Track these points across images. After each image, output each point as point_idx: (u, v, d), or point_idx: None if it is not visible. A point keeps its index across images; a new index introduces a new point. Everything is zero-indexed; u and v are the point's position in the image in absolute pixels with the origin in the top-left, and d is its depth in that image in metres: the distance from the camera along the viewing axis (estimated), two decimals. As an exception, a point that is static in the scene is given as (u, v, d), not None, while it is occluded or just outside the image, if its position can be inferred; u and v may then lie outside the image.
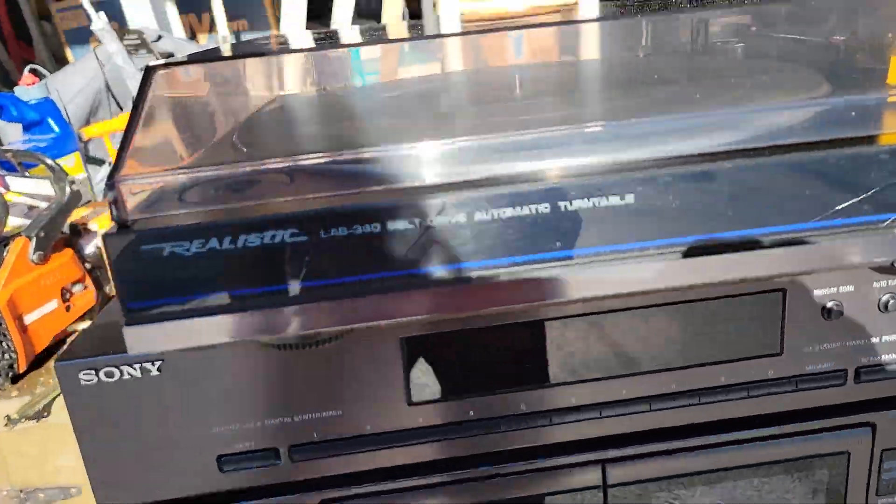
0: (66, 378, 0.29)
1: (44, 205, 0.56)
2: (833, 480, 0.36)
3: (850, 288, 0.33)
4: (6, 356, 0.49)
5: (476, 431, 0.33)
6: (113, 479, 0.31)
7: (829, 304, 0.33)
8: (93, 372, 0.29)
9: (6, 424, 0.47)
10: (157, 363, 0.29)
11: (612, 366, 0.33)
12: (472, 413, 0.33)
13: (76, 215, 0.58)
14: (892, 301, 0.33)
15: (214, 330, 0.25)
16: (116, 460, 0.31)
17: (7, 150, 0.69)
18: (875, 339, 0.34)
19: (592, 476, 0.34)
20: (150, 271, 0.25)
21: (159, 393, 0.30)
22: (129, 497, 0.32)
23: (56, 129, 0.86)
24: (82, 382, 0.29)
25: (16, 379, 0.51)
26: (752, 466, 0.36)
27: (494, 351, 0.32)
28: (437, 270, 0.26)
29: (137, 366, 0.29)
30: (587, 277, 0.27)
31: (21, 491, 0.48)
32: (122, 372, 0.29)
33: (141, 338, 0.25)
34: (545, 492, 0.35)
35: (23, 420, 0.48)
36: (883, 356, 0.34)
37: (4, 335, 0.47)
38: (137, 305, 0.25)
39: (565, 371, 0.33)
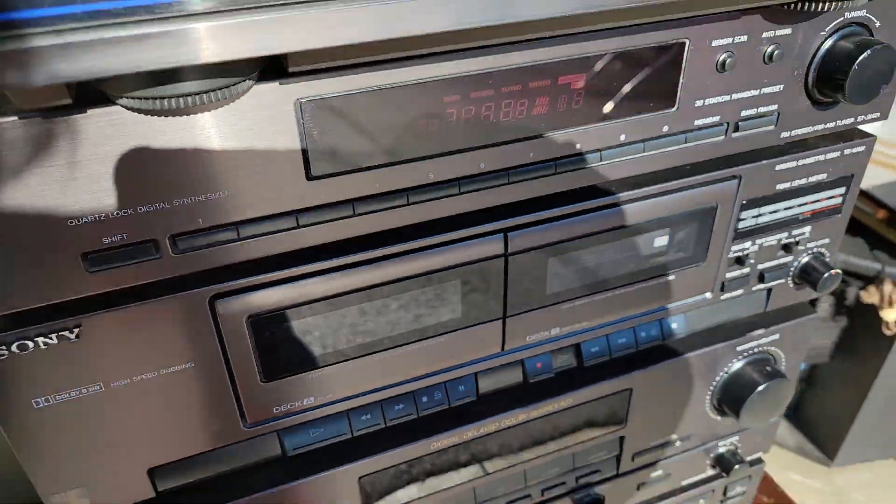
0: None
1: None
2: (700, 232, 0.42)
3: (744, 38, 0.35)
4: None
5: (384, 205, 0.32)
6: None
7: (723, 56, 0.35)
8: None
9: None
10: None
11: (519, 129, 0.33)
12: (377, 186, 0.31)
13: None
14: (776, 51, 0.35)
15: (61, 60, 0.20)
16: None
17: None
18: (755, 92, 0.37)
19: (496, 246, 0.36)
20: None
21: None
22: None
23: None
24: None
25: None
26: (640, 223, 0.39)
27: (401, 119, 0.30)
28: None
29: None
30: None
31: None
32: None
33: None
34: (451, 265, 0.36)
35: None
36: (759, 108, 0.38)
37: None
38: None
39: (471, 137, 0.32)
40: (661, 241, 0.42)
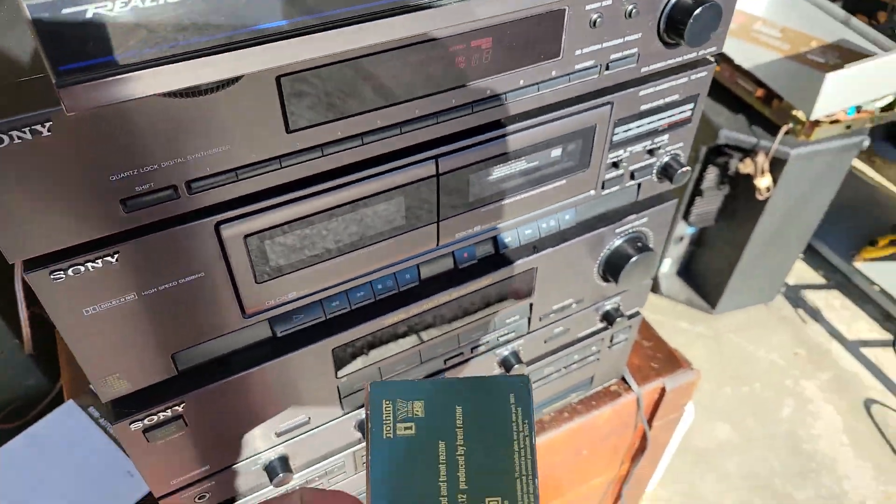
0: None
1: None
2: (584, 146, 0.54)
3: (609, 2, 0.45)
4: None
5: (345, 147, 0.42)
6: (17, 234, 0.36)
7: (595, 17, 0.45)
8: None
9: None
10: (47, 124, 0.32)
11: (443, 82, 0.43)
12: (339, 133, 0.42)
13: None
14: (633, 10, 0.47)
15: (144, 83, 0.29)
16: (17, 216, 0.35)
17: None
18: (620, 40, 0.48)
19: (429, 169, 0.47)
20: (77, 33, 0.27)
21: (53, 152, 0.33)
22: (38, 246, 0.37)
23: None
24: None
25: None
26: (538, 143, 0.51)
27: (355, 83, 0.40)
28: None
29: (27, 129, 0.31)
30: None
31: None
32: (10, 137, 0.32)
33: (76, 97, 0.27)
34: (399, 185, 0.47)
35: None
36: (623, 52, 0.49)
37: None
38: (67, 68, 0.27)
39: (407, 91, 0.42)
40: (555, 155, 0.54)
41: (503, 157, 0.51)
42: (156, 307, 0.45)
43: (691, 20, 0.47)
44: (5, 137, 0.33)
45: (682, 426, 1.41)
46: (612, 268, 0.65)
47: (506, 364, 0.69)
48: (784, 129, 1.55)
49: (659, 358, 0.93)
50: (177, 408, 0.51)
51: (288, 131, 0.41)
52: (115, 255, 0.41)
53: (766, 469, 1.73)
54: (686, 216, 1.80)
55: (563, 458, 0.93)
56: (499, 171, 0.52)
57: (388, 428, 0.32)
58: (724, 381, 1.91)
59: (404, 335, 0.59)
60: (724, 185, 1.75)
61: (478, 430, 0.32)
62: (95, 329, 0.44)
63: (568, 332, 0.73)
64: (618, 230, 0.64)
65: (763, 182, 1.62)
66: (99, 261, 0.41)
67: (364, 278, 0.53)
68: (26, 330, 0.98)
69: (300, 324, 0.53)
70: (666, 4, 0.48)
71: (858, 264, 2.10)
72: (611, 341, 0.78)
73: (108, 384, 0.48)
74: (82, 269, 0.41)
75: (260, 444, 0.58)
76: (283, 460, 0.61)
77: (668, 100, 0.56)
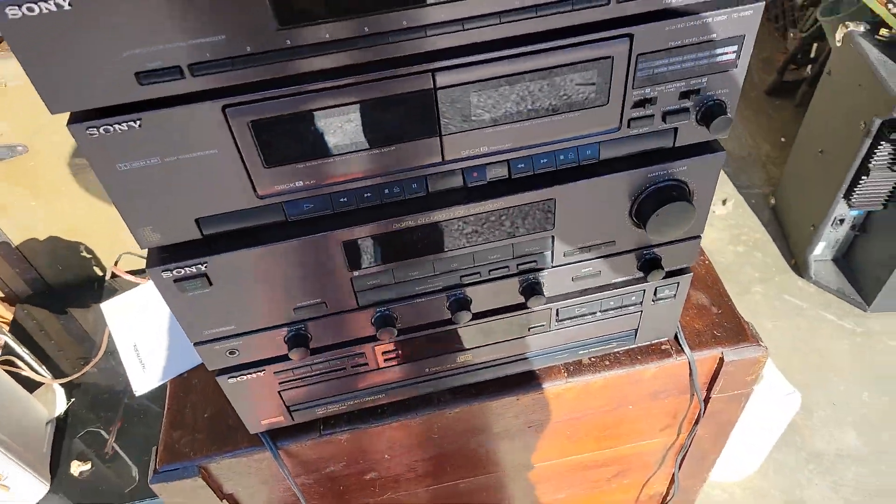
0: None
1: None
2: (601, 79, 0.53)
3: None
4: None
5: (332, 49, 0.47)
6: (55, 89, 0.44)
7: None
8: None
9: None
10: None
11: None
12: (327, 35, 0.46)
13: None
14: None
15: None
16: (51, 75, 0.44)
17: None
18: None
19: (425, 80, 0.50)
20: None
21: (74, 23, 0.41)
22: (71, 103, 0.46)
23: None
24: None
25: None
26: (548, 69, 0.51)
27: None
28: None
29: (52, 1, 0.40)
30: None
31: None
32: (40, 8, 0.40)
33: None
34: (395, 93, 0.50)
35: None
36: None
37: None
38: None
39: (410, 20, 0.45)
40: (566, 84, 0.53)
41: (504, 80, 0.52)
42: (177, 172, 0.53)
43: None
44: (36, 7, 0.41)
45: (786, 414, 1.32)
46: (641, 213, 0.64)
47: (527, 292, 0.70)
48: None
49: (725, 326, 0.88)
50: (201, 266, 0.60)
51: (278, 28, 0.46)
52: (138, 122, 0.49)
53: (893, 488, 1.57)
54: (847, 196, 1.61)
55: (605, 406, 0.92)
56: (504, 93, 0.53)
57: None
58: (864, 385, 1.72)
59: (417, 245, 0.63)
60: (903, 166, 1.54)
61: None
62: (128, 183, 0.53)
63: (600, 275, 0.72)
64: (650, 174, 0.62)
65: (948, 168, 1.40)
66: (124, 124, 0.49)
67: (371, 181, 0.57)
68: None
69: (309, 212, 0.58)
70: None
71: None
72: (654, 295, 0.76)
73: (143, 235, 0.57)
74: (111, 128, 0.49)
75: (279, 317, 0.66)
76: (303, 338, 0.68)
77: (703, 38, 0.52)
